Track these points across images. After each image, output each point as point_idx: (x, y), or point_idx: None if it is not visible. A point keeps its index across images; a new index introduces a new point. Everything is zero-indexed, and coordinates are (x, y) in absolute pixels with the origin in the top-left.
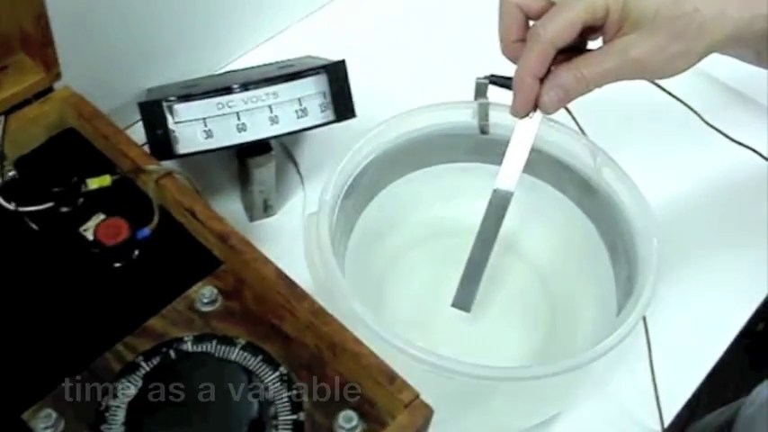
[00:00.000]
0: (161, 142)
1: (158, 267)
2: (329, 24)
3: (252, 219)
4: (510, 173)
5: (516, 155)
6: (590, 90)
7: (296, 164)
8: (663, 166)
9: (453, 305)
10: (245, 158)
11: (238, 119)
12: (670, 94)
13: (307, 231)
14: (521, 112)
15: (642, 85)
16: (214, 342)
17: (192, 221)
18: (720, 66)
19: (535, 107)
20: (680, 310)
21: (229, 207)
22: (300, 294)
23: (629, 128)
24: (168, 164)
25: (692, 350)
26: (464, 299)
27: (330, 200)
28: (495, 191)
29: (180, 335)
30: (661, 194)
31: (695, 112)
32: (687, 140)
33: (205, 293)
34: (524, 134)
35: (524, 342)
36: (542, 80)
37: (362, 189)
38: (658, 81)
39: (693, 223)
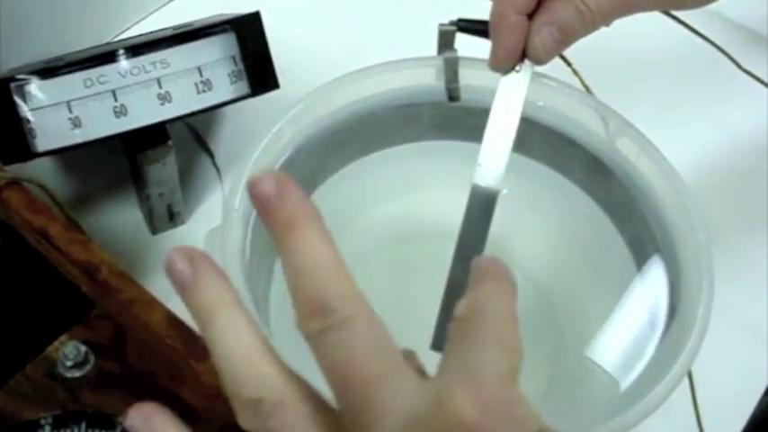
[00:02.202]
0: (12, 138)
1: (3, 318)
2: None
3: (154, 231)
4: (494, 155)
5: (501, 127)
6: (596, 28)
7: (211, 154)
8: (689, 127)
9: (433, 347)
10: (133, 153)
11: (115, 99)
12: (697, 32)
13: None
14: (504, 63)
15: (657, 26)
16: (83, 425)
17: (49, 248)
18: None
19: (523, 56)
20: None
21: (131, 217)
22: (201, 348)
23: (645, 81)
24: (35, 167)
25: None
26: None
27: (241, 208)
28: (474, 186)
29: (35, 416)
30: (689, 163)
31: (729, 56)
32: (720, 91)
33: (68, 352)
34: (510, 96)
35: (525, 383)
36: (531, 17)
37: None
38: (682, 17)
39: (731, 200)
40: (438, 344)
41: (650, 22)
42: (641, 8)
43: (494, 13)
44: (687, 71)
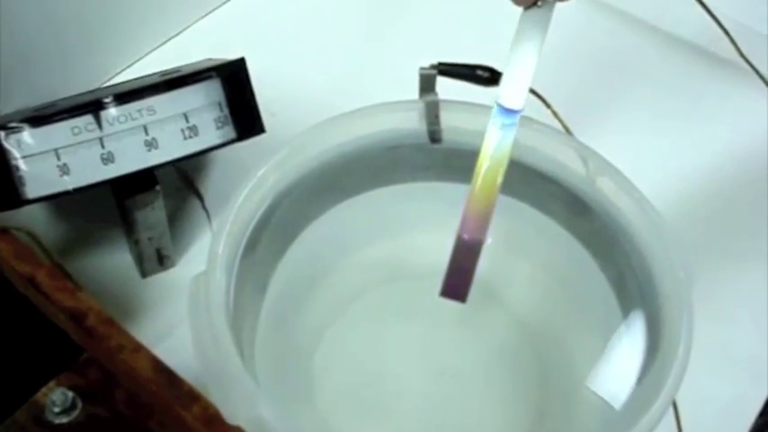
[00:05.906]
0: (1, 186)
1: None
2: (238, 20)
3: (144, 274)
4: (517, 79)
5: (523, 57)
6: None
7: (200, 197)
8: (669, 161)
9: (443, 294)
10: (122, 199)
11: (102, 146)
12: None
13: (191, 303)
14: None
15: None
16: None
17: (36, 295)
18: None
19: None
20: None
21: (121, 260)
22: (188, 395)
23: (621, 119)
24: (24, 212)
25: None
26: (456, 286)
27: (225, 251)
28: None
29: None
30: (672, 196)
31: (734, 43)
32: (705, 119)
33: (56, 398)
34: (532, 29)
35: (511, 421)
36: None
37: (275, 231)
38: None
39: (713, 229)
40: (448, 291)
41: (631, 59)
42: None
43: None
44: (665, 106)
